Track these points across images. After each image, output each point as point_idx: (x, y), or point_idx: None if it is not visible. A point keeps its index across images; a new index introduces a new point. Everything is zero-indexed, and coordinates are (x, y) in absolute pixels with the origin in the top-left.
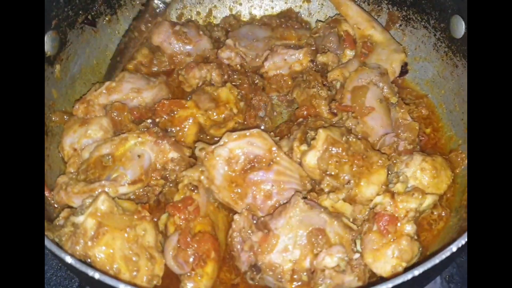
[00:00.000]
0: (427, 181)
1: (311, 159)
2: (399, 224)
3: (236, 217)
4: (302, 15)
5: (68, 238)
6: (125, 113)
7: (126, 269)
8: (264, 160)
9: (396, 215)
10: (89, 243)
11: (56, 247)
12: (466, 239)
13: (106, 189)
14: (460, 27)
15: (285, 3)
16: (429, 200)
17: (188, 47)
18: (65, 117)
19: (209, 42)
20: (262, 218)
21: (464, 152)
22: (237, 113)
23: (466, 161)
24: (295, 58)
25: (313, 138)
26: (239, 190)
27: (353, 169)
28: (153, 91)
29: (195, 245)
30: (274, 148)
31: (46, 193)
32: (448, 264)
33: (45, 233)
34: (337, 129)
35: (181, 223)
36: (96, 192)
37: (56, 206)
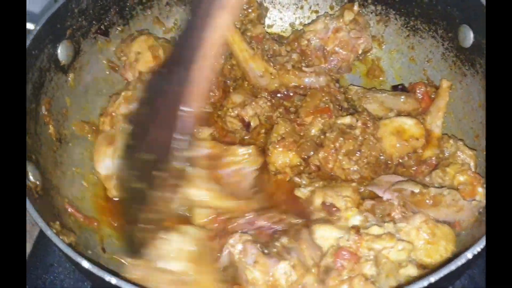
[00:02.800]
0: (420, 243)
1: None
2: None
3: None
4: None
5: None
6: None
7: None
8: None
9: (358, 253)
10: None
11: (72, 251)
12: (482, 246)
13: None
14: (468, 37)
15: (293, 14)
16: (397, 248)
17: None
18: (84, 127)
19: None
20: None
21: None
22: None
23: None
24: None
25: None
26: None
27: None
28: None
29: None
30: None
31: (69, 209)
32: (462, 273)
33: (60, 237)
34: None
35: None
36: None
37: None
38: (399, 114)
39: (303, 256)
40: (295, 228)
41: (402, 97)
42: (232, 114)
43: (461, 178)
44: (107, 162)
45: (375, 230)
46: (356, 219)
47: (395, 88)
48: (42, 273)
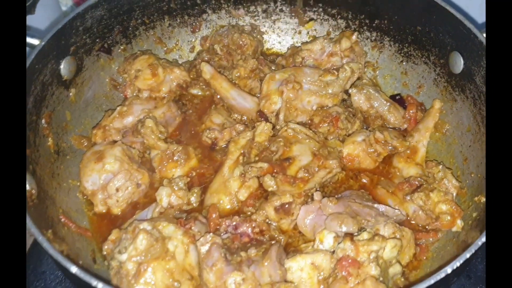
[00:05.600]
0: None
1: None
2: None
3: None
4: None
5: (114, 274)
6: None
7: None
8: None
9: (358, 258)
10: (132, 281)
11: (61, 257)
12: (461, 261)
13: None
14: (458, 63)
15: (292, 38)
16: (391, 245)
17: None
18: (82, 141)
19: None
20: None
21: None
22: None
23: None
24: None
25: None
26: None
27: None
28: (163, 108)
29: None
30: None
31: (62, 219)
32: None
33: (51, 244)
34: None
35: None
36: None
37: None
38: (383, 120)
39: (261, 272)
40: (270, 243)
41: (391, 106)
42: (209, 135)
43: (444, 207)
44: (94, 178)
45: (365, 235)
46: (329, 238)
47: (393, 97)
48: (33, 279)
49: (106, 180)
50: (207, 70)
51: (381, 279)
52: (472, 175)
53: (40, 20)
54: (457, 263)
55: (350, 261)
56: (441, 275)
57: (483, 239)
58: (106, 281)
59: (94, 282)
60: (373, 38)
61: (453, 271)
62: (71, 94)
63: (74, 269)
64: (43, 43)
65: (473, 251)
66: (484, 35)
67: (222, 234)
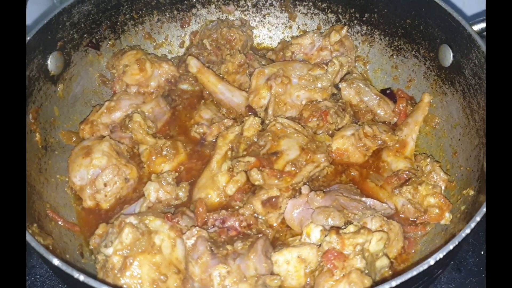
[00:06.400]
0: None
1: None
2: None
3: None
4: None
5: (101, 268)
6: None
7: None
8: None
9: (344, 251)
10: (118, 274)
11: (43, 249)
12: (444, 253)
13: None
14: (448, 56)
15: (282, 33)
16: (377, 238)
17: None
18: (71, 136)
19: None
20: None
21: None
22: None
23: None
24: None
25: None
26: None
27: None
28: (151, 103)
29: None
30: None
31: (50, 214)
32: (428, 279)
33: (36, 238)
34: None
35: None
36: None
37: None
38: (373, 114)
39: (246, 265)
40: (256, 236)
41: (381, 100)
42: (197, 130)
43: (432, 200)
44: (82, 173)
45: (351, 228)
46: (316, 232)
47: (383, 91)
48: None
49: (94, 175)
50: (193, 64)
51: (366, 271)
52: (461, 168)
53: (29, 12)
54: (440, 255)
55: (335, 254)
56: (423, 266)
57: (467, 231)
58: (89, 274)
59: (76, 274)
60: (364, 32)
61: (437, 262)
62: (59, 89)
63: (56, 262)
64: (28, 38)
65: (456, 242)
66: (473, 27)
67: (209, 228)
